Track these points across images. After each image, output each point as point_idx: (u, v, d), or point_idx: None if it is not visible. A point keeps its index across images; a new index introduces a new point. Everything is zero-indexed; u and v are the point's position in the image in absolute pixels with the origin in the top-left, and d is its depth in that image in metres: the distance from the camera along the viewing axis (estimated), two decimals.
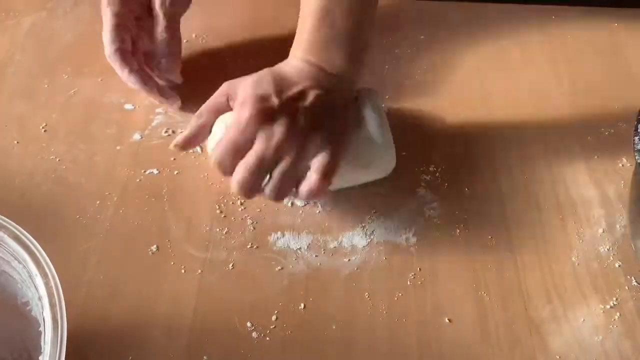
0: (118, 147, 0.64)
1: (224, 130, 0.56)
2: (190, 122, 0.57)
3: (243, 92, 0.55)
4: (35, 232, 0.43)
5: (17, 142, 0.64)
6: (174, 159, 0.63)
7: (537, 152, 0.65)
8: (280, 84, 0.56)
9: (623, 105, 0.68)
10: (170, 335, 0.52)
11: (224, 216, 0.59)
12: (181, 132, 0.65)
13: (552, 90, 0.70)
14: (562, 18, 0.77)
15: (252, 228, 0.59)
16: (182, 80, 0.67)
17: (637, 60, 0.73)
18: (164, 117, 0.66)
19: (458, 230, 0.59)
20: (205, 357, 0.51)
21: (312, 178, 0.55)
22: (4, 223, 0.43)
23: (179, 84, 0.67)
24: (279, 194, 0.55)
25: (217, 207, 0.60)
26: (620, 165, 0.64)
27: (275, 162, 0.54)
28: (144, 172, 0.62)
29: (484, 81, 0.71)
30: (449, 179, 0.62)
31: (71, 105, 0.68)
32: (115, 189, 0.61)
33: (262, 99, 0.54)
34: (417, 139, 0.64)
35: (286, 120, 0.54)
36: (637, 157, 0.50)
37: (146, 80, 0.64)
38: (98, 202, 0.60)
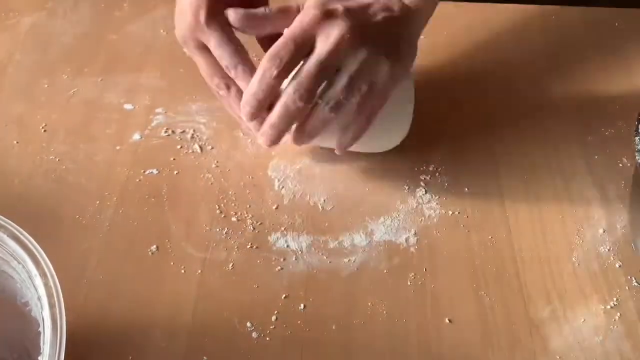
0: (118, 147, 0.64)
1: None
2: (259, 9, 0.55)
3: (309, 0, 0.54)
4: (35, 232, 0.43)
5: (17, 142, 0.64)
6: (174, 159, 0.63)
7: (537, 152, 0.65)
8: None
9: (623, 105, 0.68)
10: (170, 335, 0.52)
11: (224, 216, 0.59)
12: (181, 132, 0.65)
13: (552, 90, 0.70)
14: (562, 18, 0.77)
15: (252, 228, 0.59)
16: None
17: (637, 60, 0.73)
18: (163, 117, 0.66)
19: (458, 230, 0.59)
20: (205, 357, 0.51)
21: (361, 120, 0.55)
22: (4, 223, 0.43)
23: None
24: (339, 108, 0.53)
25: (217, 207, 0.60)
26: (620, 165, 0.64)
27: (333, 67, 0.52)
28: (144, 172, 0.62)
29: (483, 81, 0.71)
30: (449, 179, 0.62)
31: (71, 105, 0.68)
32: (115, 189, 0.61)
33: (326, 3, 0.52)
34: (417, 138, 0.64)
35: (348, 24, 0.52)
36: (637, 157, 0.50)
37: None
38: (98, 202, 0.60)
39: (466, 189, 0.62)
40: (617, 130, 0.66)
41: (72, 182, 0.61)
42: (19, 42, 0.73)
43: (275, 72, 0.51)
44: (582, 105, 0.69)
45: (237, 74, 0.55)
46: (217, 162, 0.63)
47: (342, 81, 0.53)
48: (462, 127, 0.67)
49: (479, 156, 0.64)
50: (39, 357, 0.41)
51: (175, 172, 0.62)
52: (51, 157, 0.63)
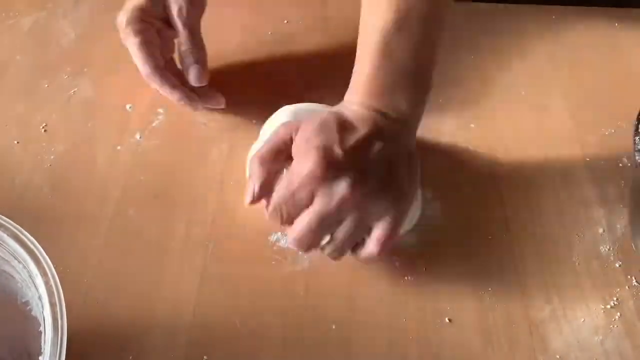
0: (118, 147, 0.64)
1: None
2: (253, 170, 0.54)
3: (305, 137, 0.52)
4: (35, 231, 0.43)
5: (17, 142, 0.64)
6: (174, 159, 0.63)
7: (537, 152, 0.65)
8: (344, 132, 0.52)
9: (623, 105, 0.68)
10: (170, 335, 0.52)
11: (224, 216, 0.59)
12: (182, 132, 0.65)
13: (552, 90, 0.70)
14: (562, 18, 0.77)
15: (252, 228, 0.58)
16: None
17: (637, 60, 0.73)
18: (164, 117, 0.66)
19: (458, 230, 0.59)
20: (205, 357, 0.51)
21: (370, 247, 0.52)
22: (4, 223, 0.43)
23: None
24: (339, 254, 0.54)
25: (217, 207, 0.60)
26: (620, 165, 0.64)
27: (336, 222, 0.51)
28: (144, 172, 0.62)
29: (484, 81, 0.71)
30: (449, 180, 0.62)
31: (71, 105, 0.68)
32: (116, 189, 0.61)
33: (326, 150, 0.50)
34: (417, 139, 0.64)
35: (350, 176, 0.50)
36: (637, 157, 0.50)
37: (189, 94, 0.64)
38: (98, 202, 0.60)
39: (466, 189, 0.62)
40: (617, 130, 0.66)
41: (72, 182, 0.61)
42: (19, 42, 0.73)
43: (280, 224, 0.53)
44: (582, 105, 0.69)
45: (148, 80, 0.63)
46: (217, 162, 0.63)
47: (343, 235, 0.52)
48: (461, 127, 0.67)
49: (479, 156, 0.64)
50: (39, 357, 0.41)
51: (175, 172, 0.62)
52: (51, 157, 0.63)
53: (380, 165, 0.52)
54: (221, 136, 0.65)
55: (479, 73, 0.72)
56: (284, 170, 0.54)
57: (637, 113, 0.57)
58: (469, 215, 0.60)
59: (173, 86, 0.63)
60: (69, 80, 0.70)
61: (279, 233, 0.58)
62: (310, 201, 0.51)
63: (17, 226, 0.43)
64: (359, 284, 0.55)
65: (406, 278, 0.56)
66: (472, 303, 0.54)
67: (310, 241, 0.52)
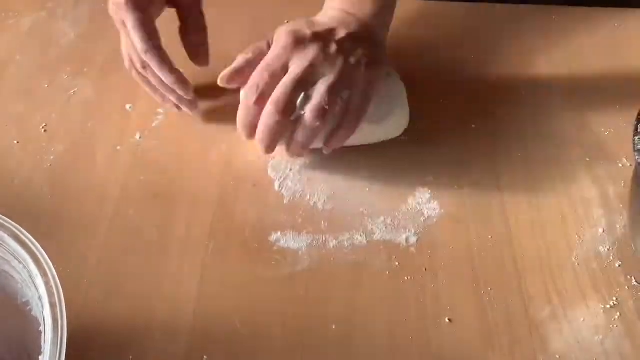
0: (118, 147, 0.64)
1: None
2: (237, 59, 0.60)
3: (278, 32, 0.59)
4: (35, 231, 0.43)
5: (17, 142, 0.64)
6: (174, 159, 0.63)
7: (537, 152, 0.65)
8: (313, 24, 0.59)
9: (623, 105, 0.68)
10: (170, 335, 0.52)
11: (224, 216, 0.59)
12: (182, 132, 0.65)
13: (552, 90, 0.70)
14: (562, 18, 0.77)
15: (252, 228, 0.58)
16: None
17: (637, 60, 0.73)
18: (164, 117, 0.66)
19: (458, 230, 0.59)
20: (205, 357, 0.51)
21: (350, 121, 0.58)
22: (4, 223, 0.43)
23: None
24: (320, 114, 0.56)
25: (217, 207, 0.60)
26: (620, 165, 0.64)
27: (311, 81, 0.57)
28: (144, 172, 0.62)
29: (484, 81, 0.71)
30: (448, 179, 0.62)
31: (71, 105, 0.68)
32: (115, 189, 0.61)
33: (295, 31, 0.58)
34: (417, 138, 0.64)
35: (319, 45, 0.57)
36: (637, 157, 0.50)
37: (184, 79, 0.62)
38: (98, 202, 0.60)
39: (466, 189, 0.62)
40: (617, 130, 0.66)
41: (72, 182, 0.61)
42: (19, 42, 0.74)
43: (253, 99, 0.57)
44: (582, 105, 0.69)
45: (146, 58, 0.60)
46: (218, 162, 0.63)
47: (321, 91, 0.57)
48: (461, 127, 0.67)
49: (479, 156, 0.64)
50: (39, 357, 0.41)
51: (175, 173, 0.62)
52: (51, 157, 0.63)
53: (347, 43, 0.58)
54: (221, 136, 0.65)
55: (479, 73, 0.72)
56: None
57: (637, 113, 0.56)
58: (468, 215, 0.60)
59: (172, 68, 0.61)
60: (69, 80, 0.70)
61: (279, 233, 0.58)
62: (285, 73, 0.57)
63: (17, 226, 0.43)
64: (359, 284, 0.55)
65: (406, 278, 0.56)
66: (472, 303, 0.54)
67: (286, 100, 0.56)
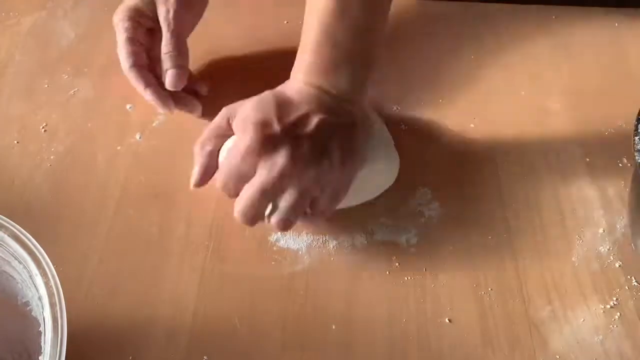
0: (118, 147, 0.64)
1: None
2: (195, 155, 0.56)
3: (243, 115, 0.54)
4: (35, 232, 0.43)
5: (17, 142, 0.64)
6: (175, 159, 0.63)
7: (537, 152, 0.65)
8: (282, 108, 0.54)
9: (623, 105, 0.68)
10: (170, 335, 0.52)
11: (224, 216, 0.59)
12: (182, 132, 0.65)
13: (552, 90, 0.70)
14: (562, 18, 0.77)
15: (252, 228, 0.58)
16: (206, 90, 0.68)
17: (637, 60, 0.73)
18: (164, 117, 0.66)
19: (458, 230, 0.59)
20: (205, 357, 0.51)
21: (313, 218, 0.55)
22: (4, 223, 0.43)
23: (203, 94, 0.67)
24: (286, 226, 0.54)
25: (217, 207, 0.60)
26: (620, 165, 0.64)
27: (279, 190, 0.53)
28: (144, 172, 0.62)
29: (484, 81, 0.71)
30: (448, 180, 0.62)
31: (71, 105, 0.68)
32: (116, 189, 0.61)
33: (264, 125, 0.52)
34: (417, 138, 0.64)
35: (289, 147, 0.52)
36: (637, 157, 0.50)
37: (161, 95, 0.64)
38: (98, 202, 0.60)
39: (466, 189, 0.62)
40: (617, 130, 0.66)
41: (72, 182, 0.61)
42: (19, 42, 0.73)
43: (232, 197, 0.54)
44: (582, 105, 0.69)
45: (127, 75, 0.64)
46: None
47: (288, 203, 0.53)
48: (461, 127, 0.67)
49: (479, 156, 0.64)
50: (39, 357, 0.41)
51: (175, 172, 0.62)
52: (51, 157, 0.63)
53: (320, 138, 0.53)
54: None
55: (479, 73, 0.72)
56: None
57: (637, 113, 0.56)
58: (469, 215, 0.60)
59: (146, 84, 0.63)
60: (69, 80, 0.70)
61: (279, 233, 0.58)
62: (253, 174, 0.53)
63: (17, 226, 0.43)
64: (359, 284, 0.55)
65: (406, 278, 0.56)
66: (472, 303, 0.54)
67: (253, 212, 0.53)
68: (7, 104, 0.67)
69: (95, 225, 0.58)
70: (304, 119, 0.54)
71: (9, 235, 0.43)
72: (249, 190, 0.53)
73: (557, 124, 0.67)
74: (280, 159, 0.52)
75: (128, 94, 0.68)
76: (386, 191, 0.61)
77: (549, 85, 0.71)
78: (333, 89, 0.55)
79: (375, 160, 0.59)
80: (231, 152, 0.54)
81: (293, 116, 0.53)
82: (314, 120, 0.54)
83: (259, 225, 0.58)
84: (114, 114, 0.67)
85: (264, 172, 0.52)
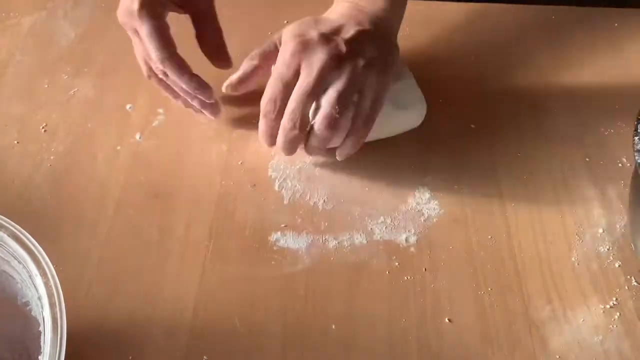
0: (118, 147, 0.64)
1: None
2: (242, 65, 0.60)
3: (285, 34, 0.58)
4: (35, 232, 0.43)
5: (17, 142, 0.64)
6: (174, 159, 0.63)
7: (537, 152, 0.65)
8: (320, 22, 0.58)
9: (623, 105, 0.68)
10: (170, 335, 0.52)
11: (224, 216, 0.59)
12: (182, 132, 0.65)
13: (551, 89, 0.70)
14: (562, 18, 0.77)
15: (252, 228, 0.59)
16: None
17: (637, 60, 0.73)
18: (164, 117, 0.67)
19: (458, 230, 0.59)
20: (205, 357, 0.51)
21: (359, 124, 0.58)
22: (4, 223, 0.43)
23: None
24: (331, 124, 0.56)
25: (217, 207, 0.60)
26: (620, 165, 0.64)
27: (321, 90, 0.56)
28: (144, 172, 0.62)
29: (483, 81, 0.71)
30: (448, 179, 0.62)
31: (71, 105, 0.68)
32: (116, 189, 0.61)
33: (302, 33, 0.57)
34: (417, 138, 0.64)
35: (326, 48, 0.56)
36: (637, 157, 0.50)
37: (205, 84, 0.61)
38: (98, 202, 0.60)
39: (466, 189, 0.62)
40: (617, 130, 0.66)
41: (72, 182, 0.61)
42: (19, 42, 0.74)
43: (274, 115, 0.58)
44: (581, 105, 0.69)
45: (165, 67, 0.59)
46: (218, 162, 0.63)
47: (330, 100, 0.56)
48: (461, 127, 0.67)
49: (479, 156, 0.64)
50: (39, 357, 0.41)
51: (176, 173, 0.62)
52: (51, 157, 0.63)
53: (357, 42, 0.57)
54: (221, 136, 0.65)
55: (479, 73, 0.72)
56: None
57: (637, 113, 0.56)
58: (468, 215, 0.60)
59: (192, 74, 0.60)
60: (69, 80, 0.70)
61: (279, 233, 0.58)
62: (297, 80, 0.56)
63: (17, 226, 0.43)
64: (359, 284, 0.55)
65: (406, 278, 0.56)
66: (472, 303, 0.54)
67: (299, 114, 0.56)
68: (7, 104, 0.67)
69: (95, 225, 0.58)
70: (340, 28, 0.58)
71: (8, 235, 0.43)
72: (296, 94, 0.56)
73: (556, 124, 0.67)
74: (318, 59, 0.55)
75: (128, 94, 0.68)
76: (386, 191, 0.61)
77: (548, 85, 0.71)
78: (370, 6, 0.60)
79: (405, 90, 0.63)
80: (275, 68, 0.58)
81: (329, 25, 0.58)
82: (351, 30, 0.58)
83: (259, 225, 0.59)
84: (114, 114, 0.67)
85: (306, 73, 0.56)
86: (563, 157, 0.64)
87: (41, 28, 0.75)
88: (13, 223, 0.43)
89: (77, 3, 0.78)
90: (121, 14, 0.60)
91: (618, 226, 0.59)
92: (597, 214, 0.60)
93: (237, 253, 0.57)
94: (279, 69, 0.57)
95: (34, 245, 0.43)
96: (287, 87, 0.57)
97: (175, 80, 0.60)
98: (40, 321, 0.43)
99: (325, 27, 0.58)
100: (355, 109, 0.58)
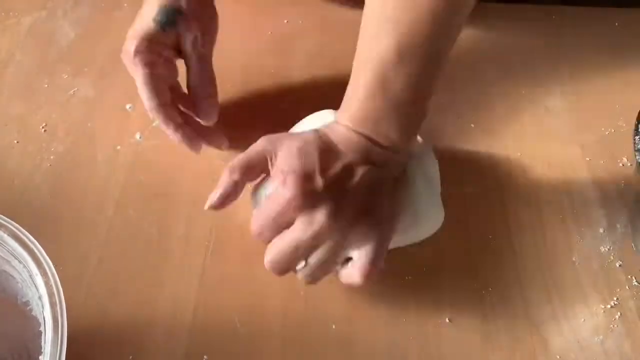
0: (118, 147, 0.64)
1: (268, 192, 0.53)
2: (222, 178, 0.52)
3: (286, 162, 0.51)
4: (35, 231, 0.43)
5: (17, 142, 0.64)
6: (174, 160, 0.63)
7: (537, 152, 0.65)
8: (327, 157, 0.51)
9: (623, 105, 0.68)
10: (170, 335, 0.52)
11: (224, 216, 0.59)
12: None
13: (552, 90, 0.70)
14: (562, 18, 0.77)
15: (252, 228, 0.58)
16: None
17: (637, 60, 0.73)
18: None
19: (458, 230, 0.59)
20: (205, 357, 0.51)
21: (353, 276, 0.51)
22: (4, 222, 0.43)
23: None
24: (313, 280, 0.53)
25: None
26: (620, 165, 0.64)
27: (312, 248, 0.50)
28: (144, 172, 0.62)
29: (484, 81, 0.71)
30: (449, 179, 0.62)
31: (71, 105, 0.68)
32: (115, 188, 0.61)
33: (306, 178, 0.49)
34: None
35: (330, 204, 0.49)
36: (637, 157, 0.50)
37: (192, 137, 0.60)
38: (98, 202, 0.60)
39: (466, 189, 0.62)
40: (617, 130, 0.66)
41: (72, 182, 0.61)
42: (19, 42, 0.73)
43: (259, 239, 0.52)
44: (581, 105, 0.69)
45: (152, 115, 0.59)
46: (218, 162, 0.63)
47: (319, 262, 0.51)
48: (461, 127, 0.67)
49: (479, 156, 0.64)
50: (40, 357, 0.41)
51: (176, 172, 0.62)
52: (51, 157, 0.63)
53: (362, 193, 0.51)
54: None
55: (479, 73, 0.72)
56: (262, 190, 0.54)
57: (637, 113, 0.56)
58: (469, 215, 0.60)
59: (177, 126, 0.59)
60: (69, 80, 0.70)
61: None
62: (290, 225, 0.50)
63: (17, 226, 0.43)
64: None
65: (406, 278, 0.56)
66: (472, 303, 0.54)
67: (283, 266, 0.51)
68: (7, 104, 0.67)
69: (95, 225, 0.58)
70: (347, 171, 0.51)
71: (9, 235, 0.43)
72: (283, 243, 0.50)
73: (557, 124, 0.67)
74: (319, 216, 0.49)
75: (128, 94, 0.68)
76: None
77: (548, 85, 0.71)
78: (382, 139, 0.52)
79: (422, 200, 0.56)
80: (270, 203, 0.51)
81: (337, 167, 0.51)
82: (359, 173, 0.51)
83: None
84: (114, 114, 0.67)
85: (301, 228, 0.50)
86: (563, 157, 0.64)
87: (41, 28, 0.75)
88: (13, 222, 0.43)
89: (77, 3, 0.78)
90: (122, 55, 0.59)
91: (618, 226, 0.59)
92: (597, 214, 0.60)
93: (237, 253, 0.57)
94: (273, 212, 0.50)
95: (34, 244, 0.43)
96: (277, 230, 0.51)
97: (163, 129, 0.60)
98: (41, 321, 0.43)
99: (333, 169, 0.50)
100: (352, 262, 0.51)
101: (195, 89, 0.61)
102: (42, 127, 0.65)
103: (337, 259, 0.51)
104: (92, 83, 0.69)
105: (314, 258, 0.51)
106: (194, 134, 0.61)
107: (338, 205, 0.50)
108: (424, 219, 0.56)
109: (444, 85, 0.69)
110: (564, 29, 0.76)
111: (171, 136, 0.60)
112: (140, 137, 0.65)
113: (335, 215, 0.49)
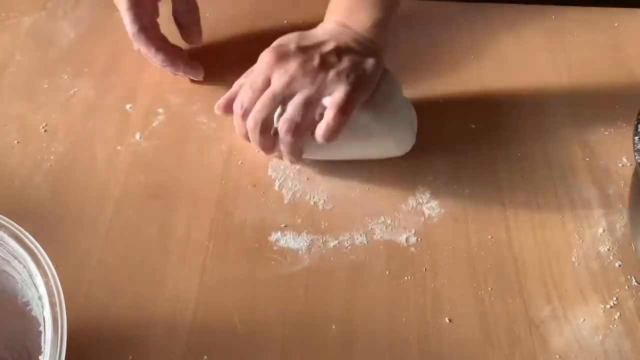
0: (118, 147, 0.64)
1: None
2: (233, 87, 0.60)
3: (268, 48, 0.59)
4: (35, 232, 0.43)
5: (17, 142, 0.64)
6: (174, 160, 0.63)
7: (537, 152, 0.65)
8: (303, 37, 0.59)
9: (623, 105, 0.68)
10: (170, 335, 0.52)
11: (224, 216, 0.59)
12: (182, 132, 0.65)
13: (552, 90, 0.70)
14: (562, 18, 0.77)
15: (252, 228, 0.59)
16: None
17: (637, 60, 0.73)
18: (164, 117, 0.67)
19: (458, 230, 0.59)
20: (205, 357, 0.51)
21: (328, 114, 0.56)
22: (4, 223, 0.43)
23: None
24: (292, 128, 0.56)
25: (217, 207, 0.60)
26: (620, 165, 0.64)
27: (288, 96, 0.56)
28: (144, 172, 0.62)
29: (484, 81, 0.71)
30: (449, 179, 0.62)
31: (71, 105, 0.68)
32: (115, 189, 0.61)
33: (280, 46, 0.58)
34: (417, 139, 0.64)
35: (300, 58, 0.56)
36: (637, 157, 0.50)
37: (174, 57, 0.66)
38: (98, 202, 0.60)
39: (466, 189, 0.62)
40: (617, 130, 0.66)
41: (72, 182, 0.61)
42: (19, 42, 0.73)
43: (240, 114, 0.58)
44: (581, 105, 0.69)
45: (134, 40, 0.65)
46: (218, 162, 0.63)
47: (294, 104, 0.56)
48: (461, 127, 0.67)
49: (479, 156, 0.64)
50: (39, 357, 0.41)
51: (175, 172, 0.62)
52: (51, 157, 0.63)
53: (333, 55, 0.57)
54: (221, 136, 0.65)
55: (479, 73, 0.72)
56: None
57: (637, 113, 0.56)
58: (468, 215, 0.60)
59: (158, 48, 0.65)
60: (69, 80, 0.70)
61: (279, 233, 0.58)
62: (267, 88, 0.57)
63: (17, 226, 0.43)
64: (358, 283, 0.56)
65: (406, 278, 0.56)
66: (472, 303, 0.54)
67: (264, 115, 0.56)
68: (7, 104, 0.67)
69: (95, 225, 0.58)
70: (321, 43, 0.58)
71: (9, 235, 0.43)
72: (261, 97, 0.57)
73: (557, 124, 0.67)
74: (290, 66, 0.56)
75: (128, 94, 0.68)
76: (386, 191, 0.61)
77: (548, 85, 0.71)
78: (356, 26, 0.60)
79: (394, 112, 0.61)
80: (248, 78, 0.58)
81: (311, 40, 0.59)
82: (331, 45, 0.58)
83: (259, 225, 0.59)
84: (114, 114, 0.67)
85: (276, 78, 0.57)
86: (563, 157, 0.64)
87: (41, 28, 0.75)
88: (13, 223, 0.43)
89: (77, 3, 0.78)
90: None
91: (618, 226, 0.59)
92: (597, 214, 0.60)
93: (237, 253, 0.57)
94: (252, 76, 0.58)
95: (34, 245, 0.43)
96: (255, 92, 0.57)
97: (145, 53, 0.65)
98: (41, 321, 0.43)
99: (306, 41, 0.59)
100: (319, 116, 0.57)
101: (179, 15, 0.67)
102: (42, 127, 0.65)
103: (312, 108, 0.56)
104: (92, 83, 0.69)
105: (291, 104, 0.56)
106: (176, 55, 0.66)
107: (309, 56, 0.57)
108: (402, 122, 0.62)
109: (443, 85, 0.70)
110: (564, 29, 0.76)
111: (153, 59, 0.65)
112: (140, 137, 0.65)
113: (305, 65, 0.56)
